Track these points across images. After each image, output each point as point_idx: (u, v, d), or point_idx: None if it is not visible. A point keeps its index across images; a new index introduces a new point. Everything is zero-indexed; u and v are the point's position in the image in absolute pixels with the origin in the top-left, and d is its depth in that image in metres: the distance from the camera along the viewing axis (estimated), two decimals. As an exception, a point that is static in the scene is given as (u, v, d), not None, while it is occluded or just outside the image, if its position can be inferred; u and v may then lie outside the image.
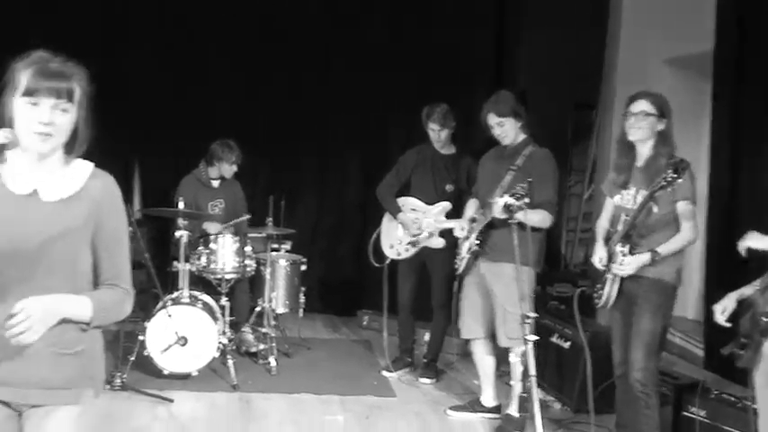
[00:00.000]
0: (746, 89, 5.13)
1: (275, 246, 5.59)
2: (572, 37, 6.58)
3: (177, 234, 5.04)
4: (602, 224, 3.88)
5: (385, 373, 5.31)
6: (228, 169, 5.62)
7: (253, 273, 5.41)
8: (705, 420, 3.80)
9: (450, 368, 5.54)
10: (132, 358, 4.66)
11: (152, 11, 6.59)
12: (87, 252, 2.00)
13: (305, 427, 4.28)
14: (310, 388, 4.87)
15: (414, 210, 5.15)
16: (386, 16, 6.87)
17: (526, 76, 6.69)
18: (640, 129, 3.61)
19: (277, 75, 6.74)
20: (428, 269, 5.23)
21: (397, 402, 4.78)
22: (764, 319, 3.00)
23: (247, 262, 5.27)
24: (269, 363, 5.15)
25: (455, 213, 4.98)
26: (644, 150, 3.67)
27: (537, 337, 3.26)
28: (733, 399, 3.75)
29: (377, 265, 5.29)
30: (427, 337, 5.56)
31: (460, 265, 4.44)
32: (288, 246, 5.77)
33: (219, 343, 4.79)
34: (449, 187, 5.12)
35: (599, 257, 3.73)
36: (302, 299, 5.66)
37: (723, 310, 3.22)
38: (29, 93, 1.86)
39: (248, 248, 5.29)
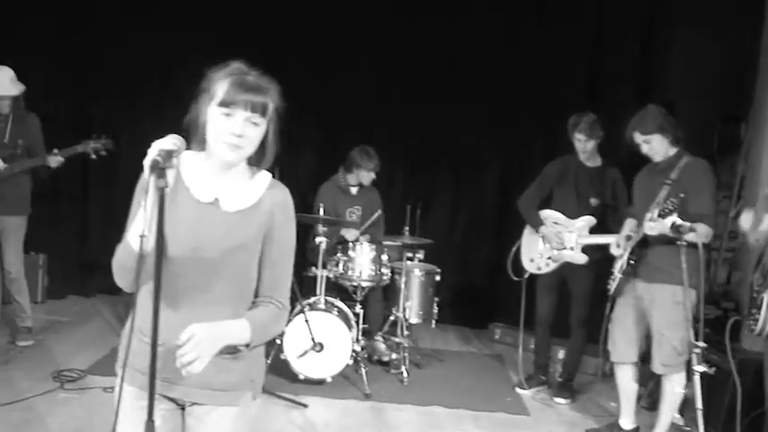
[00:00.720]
0: None
1: (410, 255, 5.57)
2: (722, 43, 6.19)
3: (317, 240, 5.10)
4: None
5: (518, 389, 5.18)
6: (367, 176, 5.64)
7: (388, 281, 5.42)
8: None
9: (587, 389, 5.33)
10: (269, 362, 4.74)
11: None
12: (256, 262, 2.02)
13: (437, 442, 4.23)
14: (442, 401, 4.81)
15: (556, 223, 4.99)
16: (531, 25, 6.71)
17: (675, 85, 6.35)
18: None
19: (415, 83, 6.69)
20: (568, 285, 5.06)
21: (531, 421, 4.67)
22: None
23: (383, 270, 5.28)
24: (401, 373, 5.14)
25: (599, 228, 4.82)
26: None
27: (705, 369, 3.06)
28: None
29: (515, 278, 5.15)
30: (562, 354, 5.38)
31: (612, 284, 4.25)
32: (421, 255, 5.73)
33: (353, 351, 4.81)
34: (593, 201, 4.93)
35: None
36: (435, 309, 5.60)
37: None
38: (225, 104, 1.88)
39: (384, 257, 5.30)
